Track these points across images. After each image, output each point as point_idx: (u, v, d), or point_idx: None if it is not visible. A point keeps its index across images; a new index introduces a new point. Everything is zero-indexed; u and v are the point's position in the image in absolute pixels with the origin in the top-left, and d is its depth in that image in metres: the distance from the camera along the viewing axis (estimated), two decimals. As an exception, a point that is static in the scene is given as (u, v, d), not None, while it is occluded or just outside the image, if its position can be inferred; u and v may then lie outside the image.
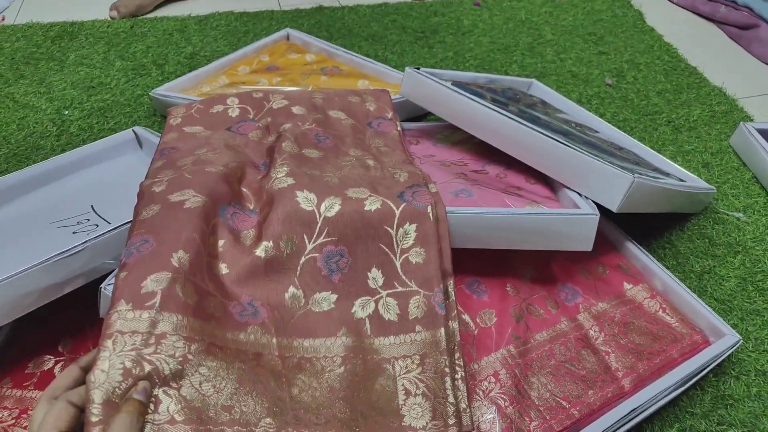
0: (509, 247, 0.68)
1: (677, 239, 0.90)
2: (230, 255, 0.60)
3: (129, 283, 0.51)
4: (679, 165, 0.98)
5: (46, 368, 0.66)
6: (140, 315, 0.49)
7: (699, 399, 0.70)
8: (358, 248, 0.63)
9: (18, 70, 1.19)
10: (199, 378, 0.50)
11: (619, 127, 1.06)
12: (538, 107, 1.02)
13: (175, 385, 0.49)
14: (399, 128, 0.89)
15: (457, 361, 0.59)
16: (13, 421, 0.61)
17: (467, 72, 1.08)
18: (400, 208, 0.64)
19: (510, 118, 0.78)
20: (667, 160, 0.96)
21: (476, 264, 0.74)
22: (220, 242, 0.61)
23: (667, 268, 0.82)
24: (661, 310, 0.76)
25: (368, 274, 0.62)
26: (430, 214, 0.64)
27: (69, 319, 0.70)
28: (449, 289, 0.63)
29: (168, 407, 0.47)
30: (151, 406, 0.47)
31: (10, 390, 0.64)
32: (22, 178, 0.88)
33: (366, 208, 0.63)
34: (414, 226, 0.63)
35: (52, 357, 0.67)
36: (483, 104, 0.80)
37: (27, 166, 0.91)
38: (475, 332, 0.67)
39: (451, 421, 0.56)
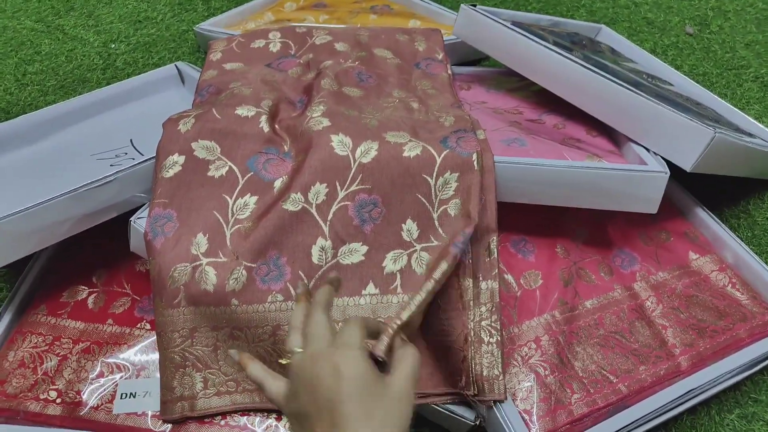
0: (564, 204, 0.62)
1: (755, 209, 0.81)
2: (258, 212, 0.58)
3: (160, 279, 0.56)
4: (765, 126, 0.87)
5: (79, 298, 0.66)
6: (173, 312, 0.56)
7: (765, 385, 0.63)
8: (393, 198, 0.58)
9: (68, 2, 1.18)
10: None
11: (697, 82, 0.95)
12: (605, 55, 0.93)
13: (215, 366, 0.56)
14: (449, 71, 0.82)
15: (493, 324, 0.55)
16: (47, 347, 0.61)
17: (528, 13, 0.99)
18: (442, 155, 0.58)
19: (574, 61, 0.70)
20: (752, 120, 0.85)
21: (524, 221, 0.68)
22: (250, 200, 0.58)
23: (741, 239, 0.74)
24: (730, 284, 0.68)
25: (402, 225, 0.58)
26: (475, 163, 0.58)
27: (103, 252, 0.70)
28: (492, 246, 0.57)
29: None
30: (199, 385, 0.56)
31: (45, 317, 0.64)
32: (67, 109, 0.87)
33: (404, 155, 0.58)
34: (456, 175, 0.58)
35: (86, 287, 0.67)
36: (545, 46, 0.72)
37: (73, 97, 0.90)
38: (518, 294, 0.62)
39: (469, 388, 0.53)
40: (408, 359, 0.37)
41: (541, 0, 1.18)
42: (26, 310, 0.66)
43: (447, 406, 0.55)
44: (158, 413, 0.57)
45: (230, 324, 0.56)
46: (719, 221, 0.74)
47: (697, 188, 0.77)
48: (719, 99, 0.89)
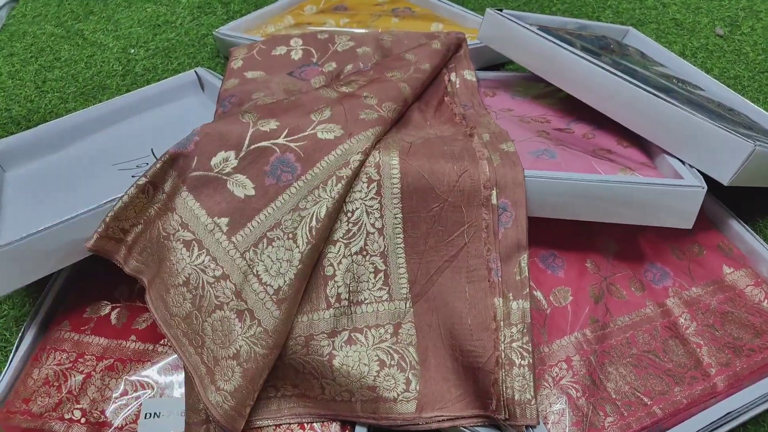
0: (595, 219, 0.60)
1: (790, 219, 0.78)
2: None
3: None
4: (799, 132, 0.84)
5: (102, 314, 0.65)
6: None
7: (805, 406, 0.61)
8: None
9: (88, 6, 1.18)
10: None
11: (728, 85, 0.92)
12: (634, 59, 0.90)
13: None
14: (474, 77, 0.81)
15: (524, 346, 0.53)
16: (71, 364, 0.61)
17: (555, 16, 0.96)
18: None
19: (603, 68, 0.68)
20: (787, 126, 0.83)
21: (552, 235, 0.66)
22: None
23: (777, 252, 0.71)
24: (766, 300, 0.66)
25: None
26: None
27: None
28: (522, 264, 0.56)
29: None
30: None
31: (68, 333, 0.64)
32: (88, 117, 0.87)
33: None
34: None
35: (108, 303, 0.66)
36: (573, 52, 0.70)
37: (93, 105, 0.90)
38: (548, 311, 0.61)
39: (500, 412, 0.51)
40: None
41: (566, 1, 1.15)
42: (50, 327, 0.66)
43: (476, 428, 0.54)
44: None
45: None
46: (754, 233, 0.72)
47: (728, 198, 0.74)
48: (752, 104, 0.86)
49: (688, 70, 0.92)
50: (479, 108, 0.75)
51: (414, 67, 0.74)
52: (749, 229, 0.72)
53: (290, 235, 0.55)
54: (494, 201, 0.57)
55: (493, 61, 0.98)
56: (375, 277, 0.57)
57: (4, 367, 0.67)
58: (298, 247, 0.54)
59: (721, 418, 0.55)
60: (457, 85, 0.80)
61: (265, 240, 0.55)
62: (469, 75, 0.81)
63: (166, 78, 0.96)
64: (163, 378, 0.59)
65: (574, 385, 0.55)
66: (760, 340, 0.61)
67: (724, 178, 0.60)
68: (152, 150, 0.82)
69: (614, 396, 0.56)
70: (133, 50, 1.07)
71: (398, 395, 0.55)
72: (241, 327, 0.53)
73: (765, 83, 0.97)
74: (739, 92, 0.93)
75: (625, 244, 0.69)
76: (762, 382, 0.58)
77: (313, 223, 0.54)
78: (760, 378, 0.58)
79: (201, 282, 0.54)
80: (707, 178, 0.61)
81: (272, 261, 0.54)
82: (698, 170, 0.62)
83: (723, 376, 0.58)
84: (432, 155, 0.59)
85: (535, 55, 0.75)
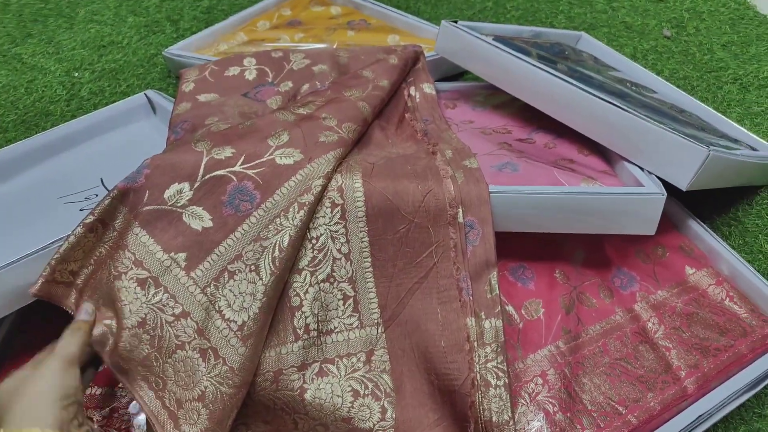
0: (561, 230, 0.60)
1: (744, 215, 0.80)
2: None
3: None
4: (746, 129, 0.86)
5: (56, 357, 0.61)
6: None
7: (771, 401, 0.62)
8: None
9: (25, 28, 1.12)
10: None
11: (678, 86, 0.95)
12: (588, 64, 0.91)
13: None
14: (434, 90, 0.80)
15: (499, 365, 0.53)
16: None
17: (509, 25, 0.97)
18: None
19: (560, 78, 0.68)
20: (734, 124, 0.85)
21: (521, 247, 0.66)
22: None
23: (733, 248, 0.73)
24: (728, 298, 0.67)
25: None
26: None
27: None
28: (492, 282, 0.55)
29: None
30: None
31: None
32: (30, 147, 0.82)
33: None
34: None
35: (62, 345, 0.62)
36: (529, 62, 0.71)
37: (36, 133, 0.86)
38: (520, 326, 0.60)
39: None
40: (57, 345, 0.49)
41: (519, 8, 1.16)
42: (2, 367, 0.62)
43: (455, 452, 0.53)
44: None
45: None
46: (712, 232, 0.73)
47: (686, 198, 0.76)
48: (702, 104, 0.88)
49: (640, 73, 0.94)
50: (440, 122, 0.74)
51: (372, 85, 0.73)
52: (708, 228, 0.74)
53: (252, 267, 0.52)
54: (461, 219, 0.56)
55: (451, 72, 0.98)
56: (344, 304, 0.56)
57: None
58: (261, 279, 0.52)
59: (693, 421, 0.55)
60: (417, 99, 0.79)
61: (226, 273, 0.53)
62: (429, 88, 0.80)
63: (114, 101, 0.93)
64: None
65: (551, 400, 0.55)
66: (725, 339, 0.63)
67: (683, 183, 0.61)
68: (101, 179, 0.78)
69: (590, 407, 0.56)
70: (77, 73, 1.02)
71: (374, 425, 0.53)
72: (205, 366, 0.51)
73: (713, 83, 1.00)
74: (689, 92, 0.95)
75: (592, 251, 0.69)
76: (729, 381, 0.59)
77: (276, 253, 0.53)
78: (727, 377, 0.60)
79: (159, 321, 0.52)
80: (666, 182, 0.62)
81: (235, 295, 0.52)
82: (657, 176, 0.63)
83: (692, 378, 0.59)
84: (395, 176, 0.58)
85: (491, 66, 0.75)
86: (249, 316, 0.51)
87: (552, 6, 1.17)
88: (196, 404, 0.50)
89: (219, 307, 0.52)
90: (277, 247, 0.53)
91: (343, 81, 0.75)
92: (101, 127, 0.88)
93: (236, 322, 0.51)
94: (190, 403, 0.50)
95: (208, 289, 0.52)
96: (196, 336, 0.51)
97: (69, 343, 0.49)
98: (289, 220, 0.53)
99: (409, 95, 0.80)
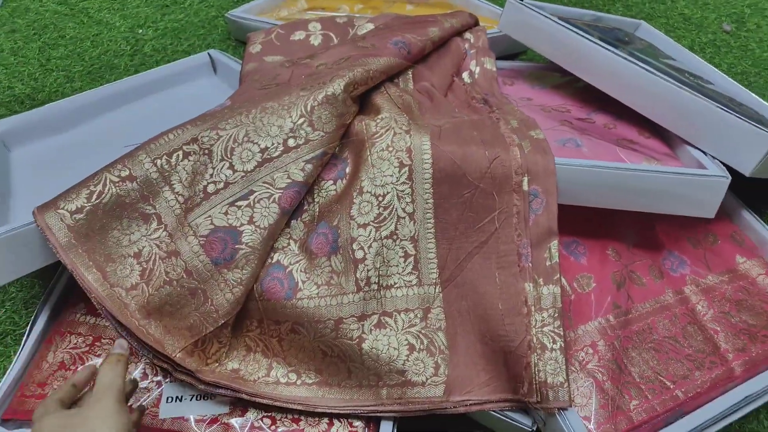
0: (621, 207, 0.61)
1: (797, 210, 0.80)
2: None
3: None
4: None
5: (122, 294, 0.64)
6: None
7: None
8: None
9: (92, -16, 1.15)
10: None
11: (736, 81, 0.94)
12: (648, 51, 0.91)
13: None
14: (494, 66, 0.81)
15: (556, 330, 0.54)
16: (87, 348, 0.60)
17: (571, 7, 0.97)
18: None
19: (625, 59, 0.68)
20: (793, 121, 0.85)
21: (574, 223, 0.67)
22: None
23: (785, 242, 0.73)
24: (777, 289, 0.67)
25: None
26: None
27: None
28: (552, 250, 0.57)
29: None
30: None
31: (84, 316, 0.63)
32: (97, 97, 0.85)
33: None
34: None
35: (128, 283, 0.65)
36: (594, 42, 0.71)
37: (101, 84, 0.89)
38: (572, 297, 0.62)
39: (532, 395, 0.53)
40: (98, 377, 0.45)
41: (576, -7, 1.16)
42: (63, 310, 0.65)
43: (504, 412, 0.55)
44: (204, 417, 0.56)
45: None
46: (764, 223, 0.73)
47: (738, 189, 0.76)
48: (760, 99, 0.88)
49: (698, 65, 0.93)
50: (500, 96, 0.75)
51: (429, 30, 0.74)
52: (760, 219, 0.74)
53: (206, 151, 0.56)
54: (525, 187, 0.57)
55: (507, 52, 0.99)
56: (405, 262, 0.57)
57: (14, 351, 0.66)
58: (211, 162, 0.57)
59: (741, 401, 0.56)
60: (477, 75, 0.80)
61: (180, 153, 0.56)
62: (489, 64, 0.81)
63: (176, 59, 0.95)
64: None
65: (600, 369, 0.56)
66: (773, 328, 0.63)
67: (746, 169, 0.62)
68: (167, 132, 0.81)
69: (638, 379, 0.57)
70: (141, 30, 1.05)
71: (427, 379, 0.55)
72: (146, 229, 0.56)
73: (771, 79, 0.99)
74: (746, 87, 0.94)
75: (644, 232, 0.70)
76: (777, 367, 0.59)
77: (231, 143, 0.57)
78: (775, 363, 0.60)
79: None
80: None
81: (187, 173, 0.56)
82: (720, 161, 0.63)
83: (740, 361, 0.60)
84: (463, 140, 0.59)
85: (556, 44, 0.75)
86: (195, 192, 0.55)
87: (610, -7, 1.16)
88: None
89: (171, 181, 0.55)
90: (232, 138, 0.56)
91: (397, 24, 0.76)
92: (165, 82, 0.90)
93: (183, 195, 0.55)
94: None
95: (159, 161, 0.55)
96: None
97: (116, 376, 0.44)
98: (249, 118, 0.57)
99: (469, 69, 0.80)
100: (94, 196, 0.54)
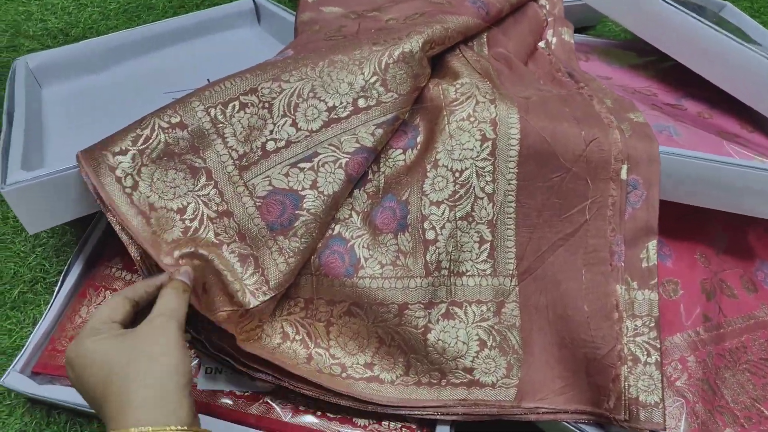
0: (727, 208, 0.53)
1: None
2: None
3: None
4: None
5: (155, 255, 0.58)
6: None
7: None
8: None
9: None
10: None
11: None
12: (737, 35, 0.82)
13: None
14: (572, 38, 0.73)
15: (651, 341, 0.48)
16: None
17: (655, -19, 0.88)
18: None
19: (729, 38, 0.60)
20: None
21: (659, 220, 0.60)
22: None
23: None
24: None
25: None
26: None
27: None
28: (650, 251, 0.50)
29: None
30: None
31: (120, 271, 0.58)
32: (134, 38, 0.79)
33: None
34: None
35: (163, 244, 0.59)
36: (692, 16, 0.63)
37: (137, 24, 0.81)
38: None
39: (619, 412, 0.46)
40: (161, 300, 0.39)
41: (654, -33, 1.06)
42: (98, 263, 0.59)
43: (579, 425, 0.49)
44: (245, 393, 0.51)
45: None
46: None
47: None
48: None
49: (790, 55, 0.84)
50: (582, 72, 0.67)
51: None
52: None
53: (266, 105, 0.49)
54: (624, 176, 0.50)
55: (577, 25, 0.90)
56: (479, 248, 0.51)
57: (44, 300, 0.61)
58: (272, 117, 0.50)
59: None
60: (554, 45, 0.72)
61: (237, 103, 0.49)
62: (567, 35, 0.73)
63: (216, 4, 0.88)
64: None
65: (690, 389, 0.50)
66: None
67: None
68: (209, 80, 0.74)
69: (732, 405, 0.51)
70: (181, -31, 0.97)
71: (497, 380, 0.49)
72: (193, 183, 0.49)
73: None
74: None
75: (735, 238, 0.63)
76: None
77: (294, 98, 0.50)
78: None
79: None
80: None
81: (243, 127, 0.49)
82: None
83: (841, 391, 0.53)
84: (554, 116, 0.52)
85: (643, 16, 0.67)
86: (252, 149, 0.49)
87: (692, -29, 1.07)
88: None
89: (224, 134, 0.49)
90: (296, 93, 0.49)
91: None
92: (204, 27, 0.83)
93: (237, 151, 0.48)
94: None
95: (213, 110, 0.49)
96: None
97: (181, 304, 0.39)
98: (316, 72, 0.50)
99: (546, 40, 0.72)
100: (141, 141, 0.47)
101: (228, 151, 0.49)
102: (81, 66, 0.76)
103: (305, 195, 0.48)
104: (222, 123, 0.48)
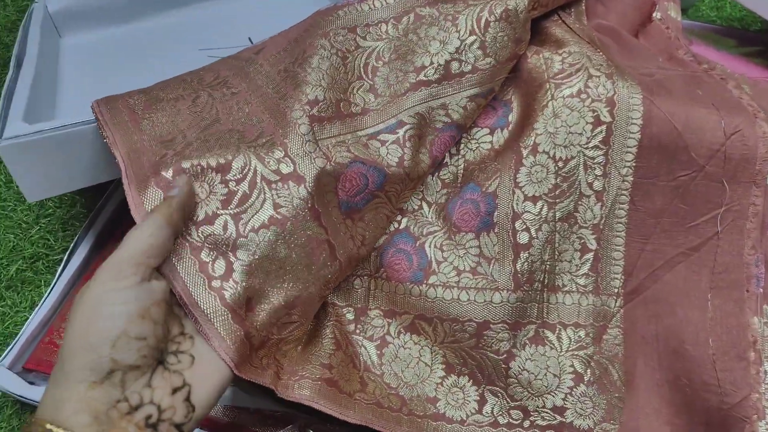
0: None
1: None
2: None
3: None
4: None
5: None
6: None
7: None
8: None
9: None
10: None
11: None
12: None
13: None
14: (680, 16, 0.62)
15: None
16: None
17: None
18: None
19: None
20: None
21: None
22: None
23: None
24: None
25: None
26: None
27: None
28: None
29: None
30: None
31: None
32: (167, -12, 0.69)
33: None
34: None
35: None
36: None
37: (172, -26, 0.72)
38: None
39: None
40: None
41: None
42: (109, 240, 0.51)
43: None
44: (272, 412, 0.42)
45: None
46: None
47: None
48: None
49: None
50: (698, 55, 0.56)
51: None
52: None
53: (340, 54, 0.40)
54: (771, 181, 0.40)
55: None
56: (580, 258, 0.41)
57: (44, 280, 0.53)
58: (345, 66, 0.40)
59: None
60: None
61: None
62: (674, 11, 0.62)
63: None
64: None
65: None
66: None
67: None
68: (249, 39, 0.65)
69: None
70: None
71: (595, 425, 0.39)
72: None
73: None
74: None
75: None
76: None
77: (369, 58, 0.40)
78: None
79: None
80: None
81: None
82: None
83: None
84: (685, 100, 0.41)
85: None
86: (325, 99, 0.38)
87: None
88: None
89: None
90: (375, 54, 0.40)
91: None
92: (244, -19, 0.74)
93: (307, 94, 0.37)
94: None
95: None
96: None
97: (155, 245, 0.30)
98: (399, 30, 0.40)
99: (651, 17, 0.62)
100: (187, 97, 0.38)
101: (298, 94, 0.38)
102: (108, 14, 0.68)
103: (391, 173, 0.38)
104: (291, 67, 0.39)
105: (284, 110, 0.37)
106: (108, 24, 0.68)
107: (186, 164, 0.34)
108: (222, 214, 0.34)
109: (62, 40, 0.66)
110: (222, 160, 0.35)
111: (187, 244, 0.33)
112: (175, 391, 0.29)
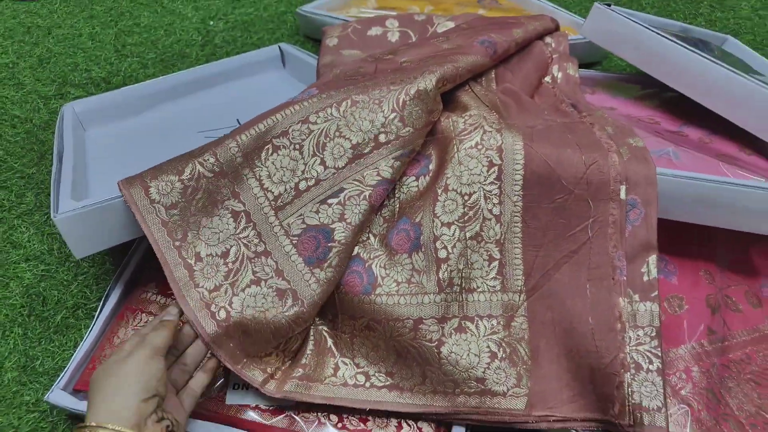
0: (722, 225, 0.56)
1: None
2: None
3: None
4: None
5: (189, 279, 0.63)
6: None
7: None
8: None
9: (166, -24, 1.17)
10: None
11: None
12: (738, 65, 0.86)
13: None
14: (577, 73, 0.78)
15: (653, 350, 0.50)
16: (156, 327, 0.59)
17: (656, 17, 0.93)
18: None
19: (726, 68, 0.64)
20: None
21: (664, 239, 0.62)
22: None
23: None
24: None
25: None
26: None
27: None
28: (651, 265, 0.53)
29: None
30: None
31: (155, 295, 0.62)
32: (171, 84, 0.86)
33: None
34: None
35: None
36: (691, 50, 0.67)
37: (173, 72, 0.89)
38: (662, 318, 0.57)
39: (624, 417, 0.49)
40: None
41: (655, 5, 1.12)
42: (135, 287, 0.64)
43: (589, 433, 0.51)
44: (270, 407, 0.54)
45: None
46: None
47: None
48: None
49: (792, 84, 0.87)
50: (586, 104, 0.72)
51: (513, 31, 0.72)
52: None
53: (297, 146, 0.54)
54: (623, 196, 0.54)
55: (583, 61, 0.95)
56: (489, 266, 0.54)
57: (84, 324, 0.66)
58: (303, 158, 0.54)
59: None
60: (559, 80, 0.77)
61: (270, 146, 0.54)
62: (572, 70, 0.78)
63: (245, 51, 0.95)
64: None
65: (695, 397, 0.52)
66: None
67: None
68: (238, 120, 0.80)
69: (737, 413, 0.52)
70: (212, 22, 1.06)
71: (508, 389, 0.52)
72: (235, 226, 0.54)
73: None
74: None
75: (737, 255, 0.65)
76: None
77: (322, 138, 0.54)
78: None
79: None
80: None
81: (276, 168, 0.54)
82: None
83: None
84: (557, 143, 0.56)
85: (645, 52, 0.72)
86: (285, 190, 0.53)
87: (691, 7, 1.12)
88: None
89: (259, 175, 0.54)
90: (323, 133, 0.54)
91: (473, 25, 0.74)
92: (235, 73, 0.90)
93: (273, 192, 0.53)
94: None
95: (251, 155, 0.54)
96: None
97: (156, 335, 0.46)
98: (339, 112, 0.54)
99: (552, 75, 0.77)
100: (189, 191, 0.53)
101: (264, 193, 0.54)
102: (121, 110, 0.83)
103: (335, 227, 0.53)
104: (258, 167, 0.54)
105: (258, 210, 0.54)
106: (124, 117, 0.83)
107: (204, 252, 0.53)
108: (224, 284, 0.52)
109: (86, 132, 0.81)
110: (224, 249, 0.54)
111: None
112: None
